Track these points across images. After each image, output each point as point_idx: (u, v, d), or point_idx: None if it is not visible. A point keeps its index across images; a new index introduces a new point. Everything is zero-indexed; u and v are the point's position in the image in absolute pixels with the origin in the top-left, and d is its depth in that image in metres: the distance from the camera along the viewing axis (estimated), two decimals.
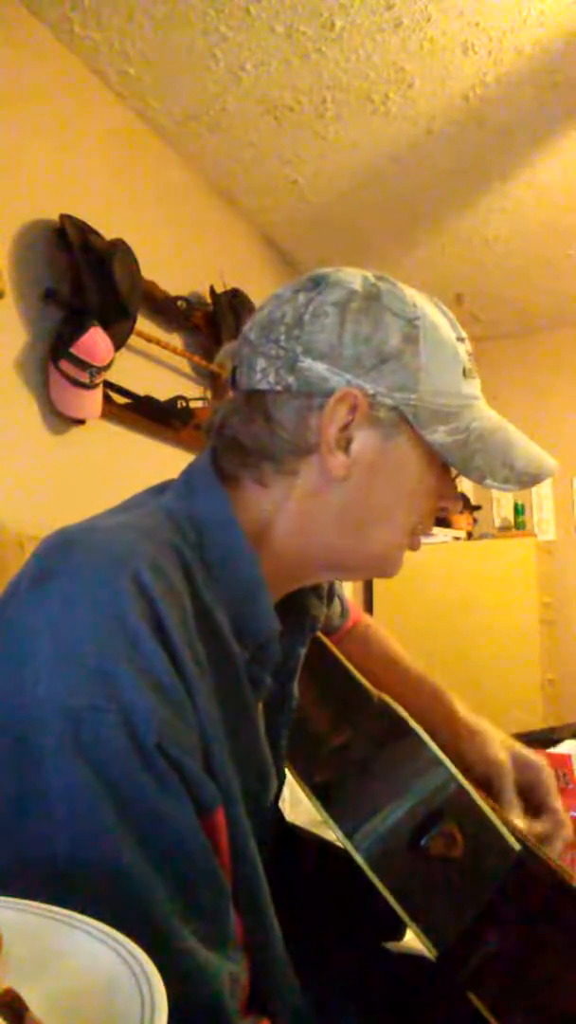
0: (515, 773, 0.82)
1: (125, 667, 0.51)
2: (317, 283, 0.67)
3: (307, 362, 0.65)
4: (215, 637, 0.60)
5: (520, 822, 0.78)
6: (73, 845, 0.48)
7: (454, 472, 0.71)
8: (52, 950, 0.37)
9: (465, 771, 0.75)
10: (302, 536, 0.68)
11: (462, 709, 0.87)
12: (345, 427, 0.65)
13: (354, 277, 0.68)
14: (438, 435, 0.66)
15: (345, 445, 0.65)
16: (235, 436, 0.67)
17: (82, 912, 0.46)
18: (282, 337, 0.66)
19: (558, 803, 0.81)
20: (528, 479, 0.68)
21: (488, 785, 0.80)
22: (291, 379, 0.65)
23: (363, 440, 0.66)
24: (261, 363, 0.66)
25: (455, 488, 0.73)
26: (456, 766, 0.71)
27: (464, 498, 4.18)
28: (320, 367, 0.65)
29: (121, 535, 0.59)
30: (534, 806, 0.82)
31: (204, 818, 0.53)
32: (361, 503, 0.67)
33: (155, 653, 0.52)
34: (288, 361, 0.65)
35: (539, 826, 0.80)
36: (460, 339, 0.69)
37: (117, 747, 0.49)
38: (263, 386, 0.66)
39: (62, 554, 0.57)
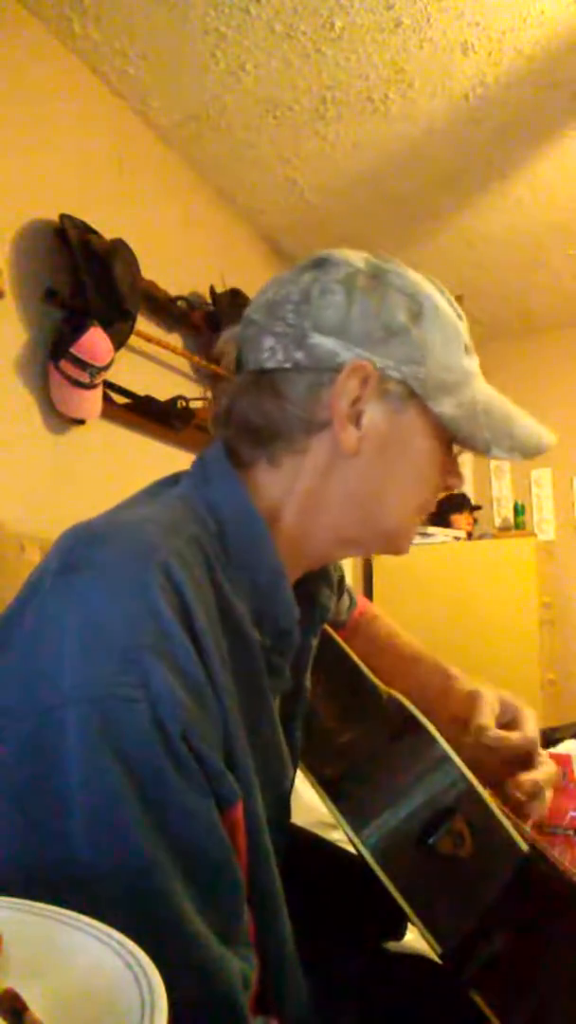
0: (496, 706, 0.82)
1: (154, 657, 0.50)
2: (320, 263, 0.69)
3: (316, 338, 0.65)
4: (235, 628, 0.60)
5: (491, 727, 0.78)
6: (92, 834, 0.48)
7: (456, 449, 0.72)
8: (52, 950, 0.37)
9: (452, 715, 0.76)
10: (312, 516, 0.68)
11: (455, 671, 0.88)
12: (356, 401, 0.65)
13: (356, 257, 0.69)
14: (445, 407, 0.67)
15: (356, 419, 0.66)
16: (246, 418, 0.68)
17: (96, 901, 0.45)
18: (289, 315, 0.66)
19: (533, 732, 0.81)
20: (530, 450, 0.69)
21: (468, 716, 0.80)
22: (300, 355, 0.66)
23: (373, 414, 0.66)
24: (268, 342, 0.67)
25: (458, 464, 0.73)
26: (446, 723, 0.71)
27: (464, 498, 4.18)
28: (329, 342, 0.65)
29: (146, 528, 0.58)
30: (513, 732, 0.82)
31: (223, 813, 0.53)
32: (372, 478, 0.68)
33: (184, 645, 0.52)
34: (297, 338, 0.66)
35: (510, 738, 0.79)
36: (459, 317, 0.71)
37: (144, 737, 0.49)
38: (271, 364, 0.67)
39: (88, 547, 0.56)
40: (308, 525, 0.68)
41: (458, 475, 0.73)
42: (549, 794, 0.79)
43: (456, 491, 0.75)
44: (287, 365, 0.66)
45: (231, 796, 0.54)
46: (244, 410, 0.68)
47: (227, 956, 0.50)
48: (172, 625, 0.52)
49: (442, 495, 0.75)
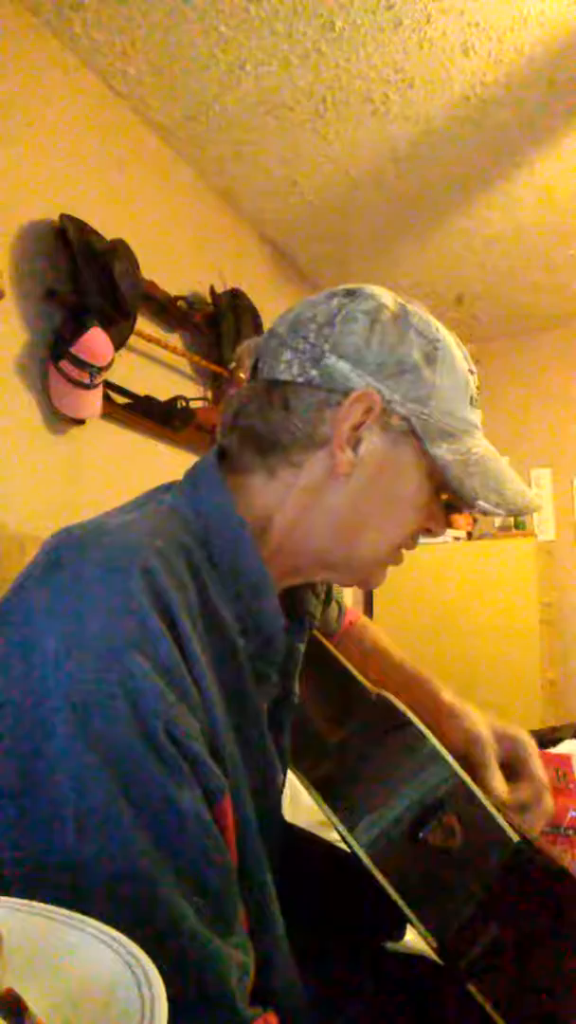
0: (497, 747, 0.82)
1: (134, 653, 0.52)
2: (351, 293, 0.71)
3: (333, 360, 0.68)
4: (220, 633, 0.61)
5: (503, 789, 0.78)
6: (80, 830, 0.48)
7: (443, 496, 0.74)
8: (53, 950, 0.37)
9: (450, 752, 0.75)
10: (298, 531, 0.70)
11: (447, 694, 0.88)
12: (357, 427, 0.67)
13: (385, 294, 0.72)
14: (441, 450, 0.69)
15: (354, 444, 0.68)
16: (251, 424, 0.70)
17: (90, 899, 0.46)
18: (311, 334, 0.69)
19: (539, 771, 0.82)
20: (514, 508, 0.71)
21: (469, 760, 0.80)
22: (314, 373, 0.68)
23: (371, 442, 0.68)
24: (287, 355, 0.69)
25: (443, 510, 0.75)
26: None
27: None
28: (344, 366, 0.68)
29: (129, 531, 0.60)
30: (516, 775, 0.82)
31: (212, 806, 0.54)
32: (358, 505, 0.69)
33: (164, 640, 0.53)
34: (314, 356, 0.68)
35: (520, 793, 0.80)
36: (471, 371, 0.73)
37: (125, 732, 0.50)
38: (285, 376, 0.69)
39: (71, 549, 0.58)
40: (295, 539, 0.70)
41: (441, 522, 0.75)
42: (539, 813, 0.80)
43: (437, 537, 0.78)
44: (300, 380, 0.68)
45: (218, 788, 0.55)
46: (251, 416, 0.70)
47: (221, 948, 0.50)
48: (152, 623, 0.53)
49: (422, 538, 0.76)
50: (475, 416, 0.73)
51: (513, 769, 0.83)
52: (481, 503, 0.69)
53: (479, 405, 0.74)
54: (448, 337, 0.72)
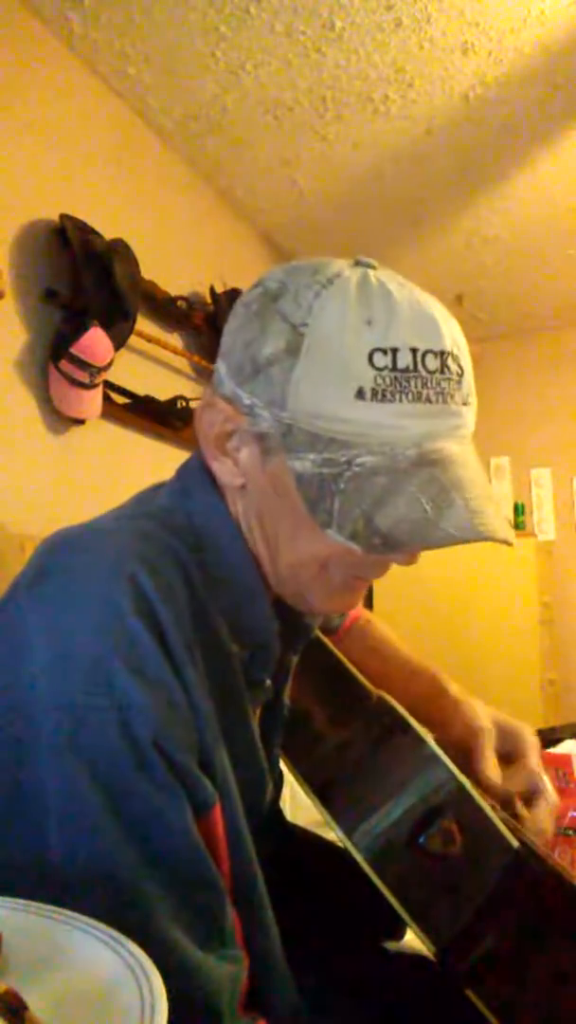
0: (497, 739, 0.81)
1: (121, 664, 0.51)
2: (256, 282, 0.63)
3: (219, 362, 0.63)
4: (213, 639, 0.61)
5: (495, 775, 0.77)
6: (66, 845, 0.48)
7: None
8: (53, 950, 0.37)
9: (449, 742, 0.75)
10: (251, 538, 0.66)
11: (453, 687, 0.87)
12: (227, 435, 0.62)
13: (278, 274, 0.61)
14: (306, 463, 0.57)
15: (232, 453, 0.62)
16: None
17: (71, 907, 0.46)
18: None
19: (534, 763, 0.80)
20: (381, 544, 0.54)
21: (467, 750, 0.80)
22: (215, 381, 0.64)
23: (248, 452, 0.61)
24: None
25: (377, 556, 0.59)
26: (442, 741, 0.71)
27: None
28: (222, 368, 0.63)
29: (118, 537, 0.59)
30: (513, 766, 0.81)
31: (200, 816, 0.53)
32: (262, 518, 0.63)
33: (151, 650, 0.53)
34: (216, 364, 0.65)
35: (513, 781, 0.78)
36: (381, 350, 0.55)
37: (112, 745, 0.49)
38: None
39: (59, 555, 0.58)
40: (251, 541, 0.65)
41: (363, 564, 0.61)
42: (551, 827, 0.78)
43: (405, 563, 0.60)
44: (208, 396, 0.65)
45: (208, 799, 0.54)
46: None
47: (205, 962, 0.50)
48: (140, 633, 0.52)
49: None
50: (382, 413, 0.55)
51: (511, 761, 0.82)
52: (331, 533, 0.56)
53: (397, 396, 0.55)
54: (337, 311, 0.56)
